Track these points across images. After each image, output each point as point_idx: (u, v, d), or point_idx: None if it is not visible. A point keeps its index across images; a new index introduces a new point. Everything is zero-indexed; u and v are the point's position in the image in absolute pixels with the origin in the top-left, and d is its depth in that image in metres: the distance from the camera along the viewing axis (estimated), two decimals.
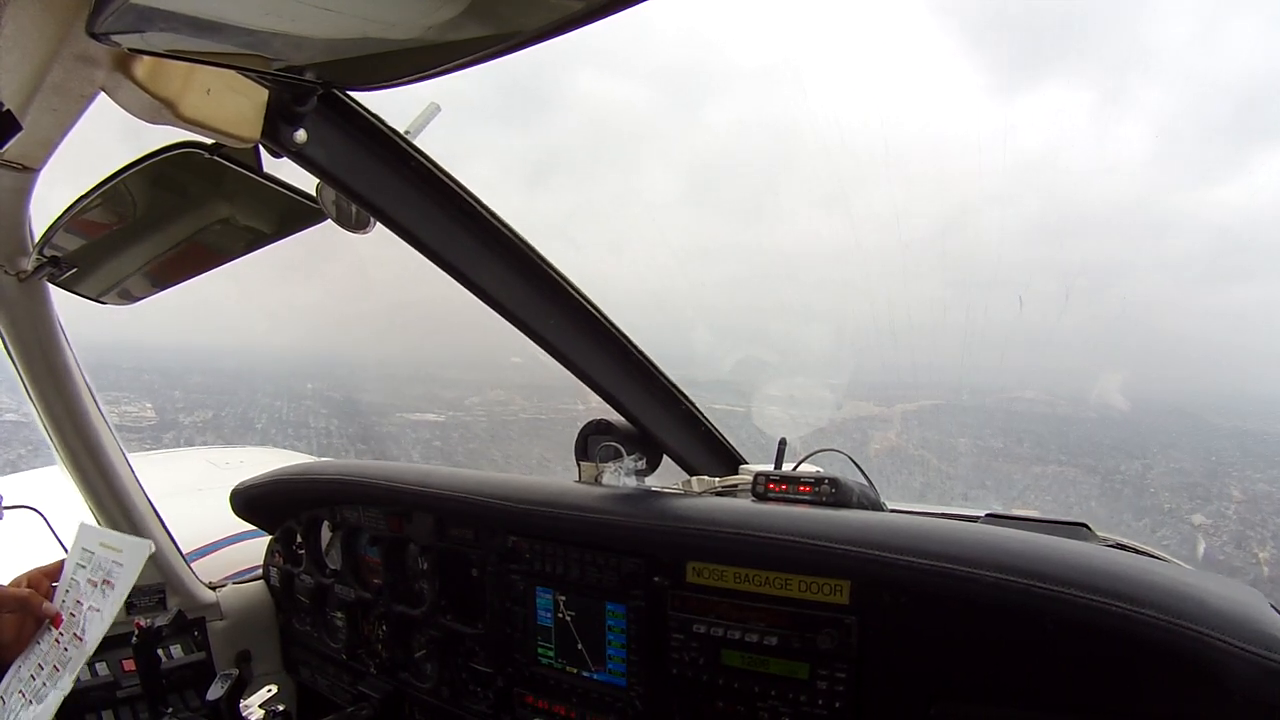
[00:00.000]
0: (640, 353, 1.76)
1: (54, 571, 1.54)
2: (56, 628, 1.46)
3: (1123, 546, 1.55)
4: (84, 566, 1.50)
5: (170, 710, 1.91)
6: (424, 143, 1.30)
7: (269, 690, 1.91)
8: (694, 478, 1.98)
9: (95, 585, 1.47)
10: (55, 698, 1.38)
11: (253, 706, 1.88)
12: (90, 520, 2.15)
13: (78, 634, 1.44)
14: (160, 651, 1.97)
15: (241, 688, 1.82)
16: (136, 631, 1.84)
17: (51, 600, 1.51)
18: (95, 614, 1.43)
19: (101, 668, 2.13)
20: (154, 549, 1.44)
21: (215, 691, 1.79)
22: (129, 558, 1.45)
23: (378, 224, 1.34)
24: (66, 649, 1.43)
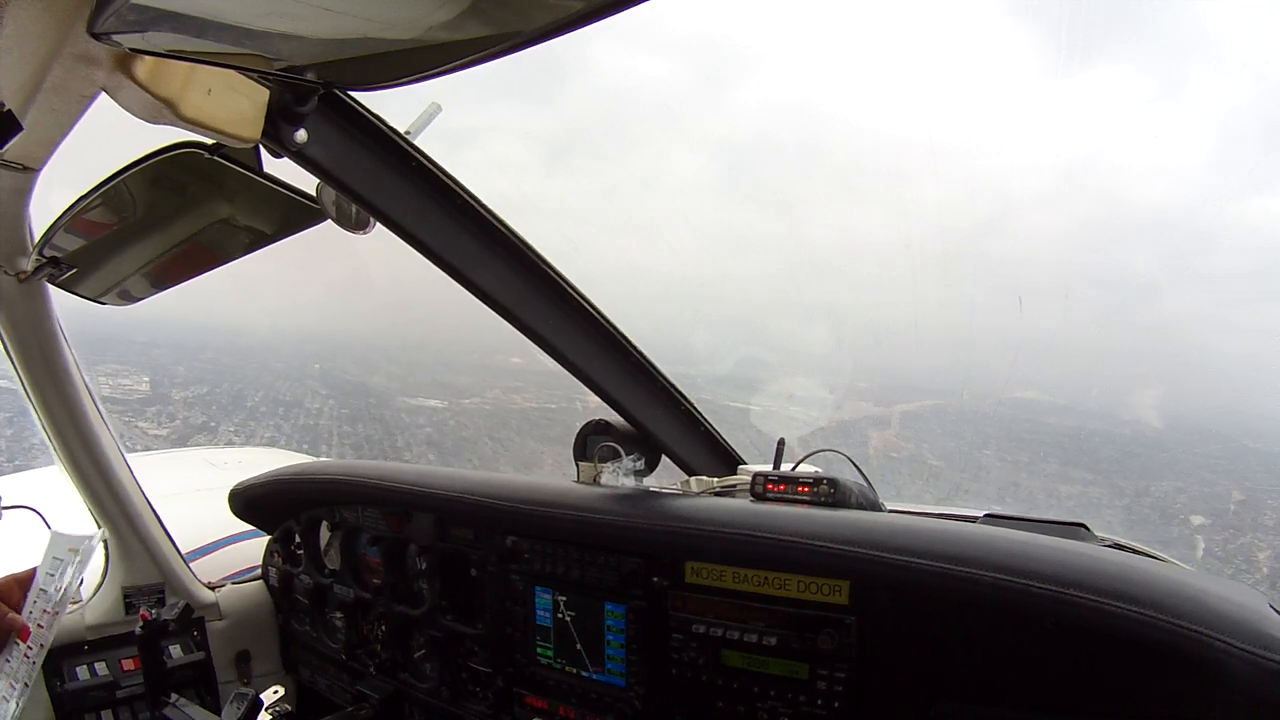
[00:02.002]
0: (639, 353, 1.76)
1: (26, 579, 1.50)
2: (24, 641, 1.43)
3: (1121, 546, 1.55)
4: (52, 575, 1.47)
5: (174, 700, 1.90)
6: (425, 142, 1.30)
7: (275, 691, 1.90)
8: (693, 478, 1.98)
9: (59, 591, 1.44)
10: (12, 711, 1.36)
11: None
12: (90, 522, 2.15)
13: (42, 644, 1.41)
14: None
15: (257, 710, 1.78)
16: (142, 623, 1.83)
17: (23, 604, 1.46)
18: (52, 618, 1.41)
19: (101, 668, 2.13)
20: (106, 537, 1.42)
21: (231, 714, 1.75)
22: (82, 554, 1.43)
23: (378, 224, 1.34)
24: (35, 663, 1.40)
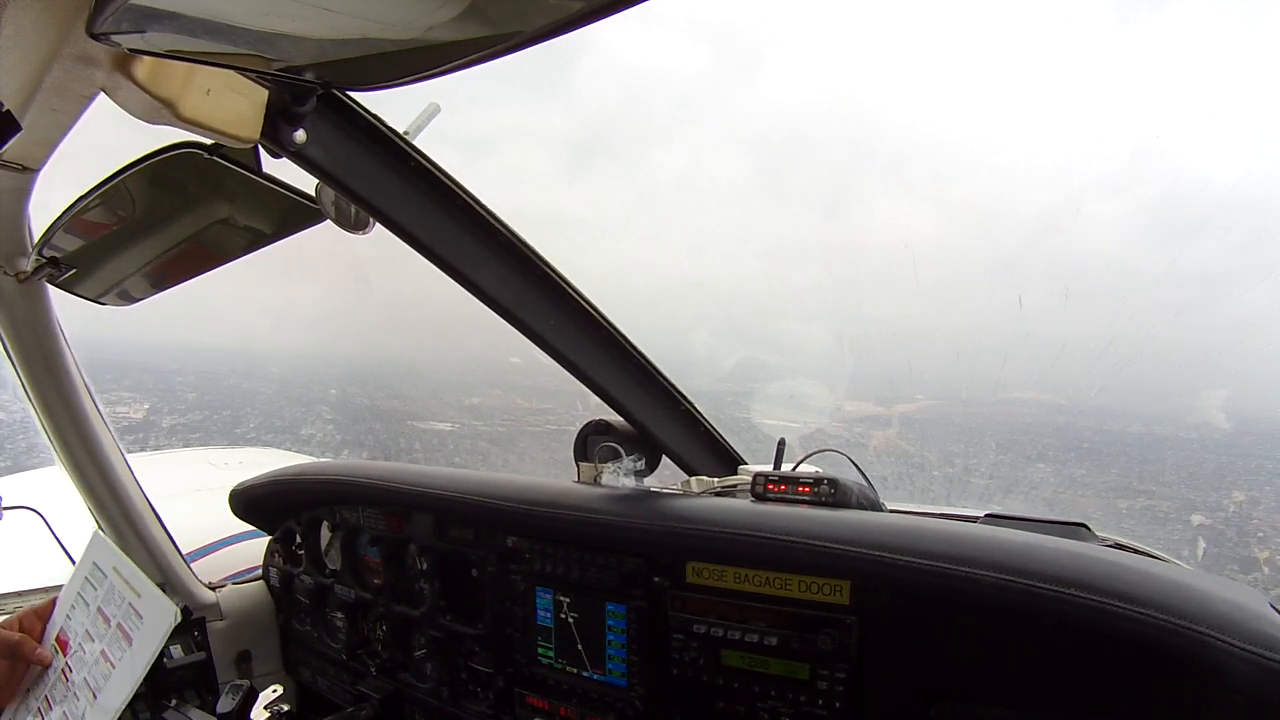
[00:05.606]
0: (639, 353, 1.76)
1: (45, 611, 1.49)
2: (64, 654, 1.39)
3: (1122, 546, 1.55)
4: (95, 588, 1.43)
5: (174, 704, 1.91)
6: (424, 143, 1.30)
7: (274, 690, 1.90)
8: (693, 478, 1.98)
9: (108, 624, 1.38)
10: None
11: (257, 706, 1.88)
12: (98, 529, 2.14)
13: (89, 682, 1.34)
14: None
15: (252, 700, 1.79)
16: None
17: (44, 634, 1.45)
18: (109, 668, 1.34)
19: None
20: (178, 619, 1.34)
21: (226, 704, 1.77)
22: (150, 615, 1.35)
23: (377, 224, 1.34)
24: (78, 696, 1.33)
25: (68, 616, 1.44)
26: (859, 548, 1.32)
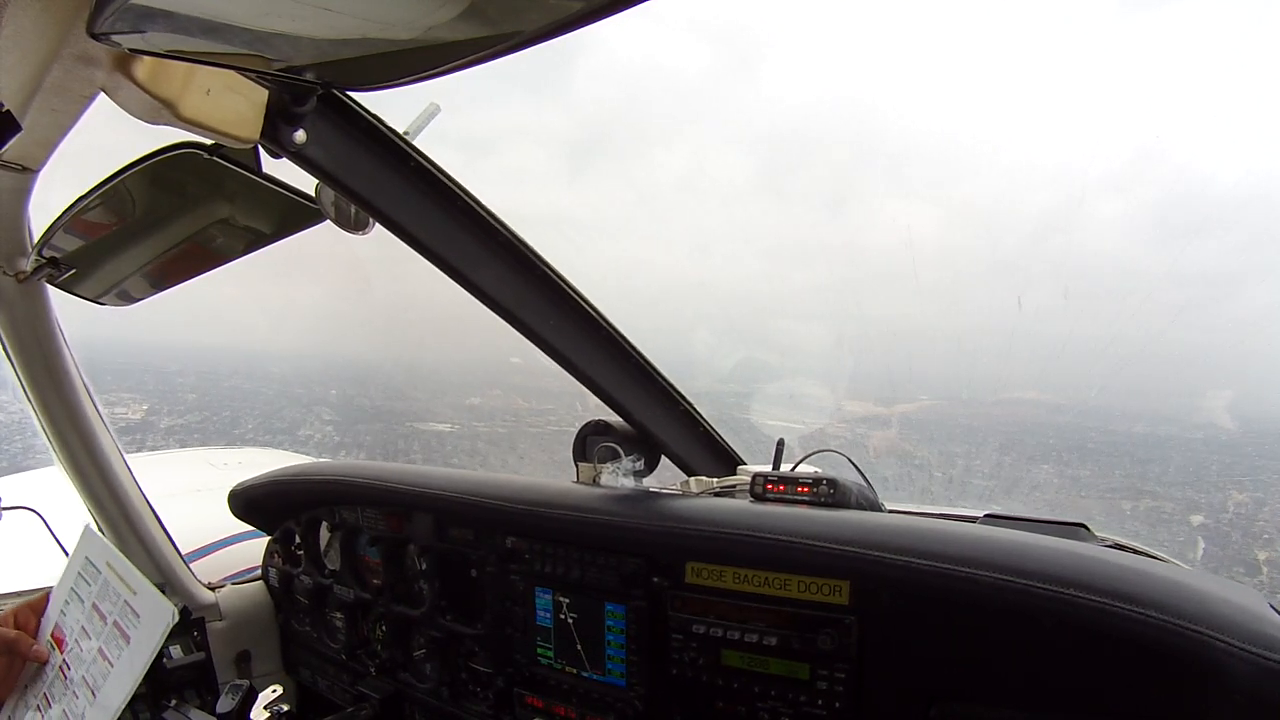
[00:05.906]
0: (639, 354, 1.76)
1: (40, 606, 1.49)
2: (61, 651, 1.38)
3: (1121, 547, 1.55)
4: (89, 584, 1.41)
5: (174, 704, 1.91)
6: (424, 143, 1.30)
7: (274, 690, 1.90)
8: (692, 478, 1.98)
9: (104, 621, 1.37)
10: None
11: (257, 706, 1.88)
12: (90, 523, 2.14)
13: (88, 680, 1.33)
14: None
15: (251, 700, 1.80)
16: None
17: (40, 630, 1.44)
18: (107, 666, 1.32)
19: None
20: (176, 619, 1.31)
21: (225, 704, 1.77)
22: (147, 614, 1.33)
23: (377, 224, 1.34)
24: (77, 694, 1.32)
25: (62, 612, 1.43)
26: (858, 548, 1.32)
